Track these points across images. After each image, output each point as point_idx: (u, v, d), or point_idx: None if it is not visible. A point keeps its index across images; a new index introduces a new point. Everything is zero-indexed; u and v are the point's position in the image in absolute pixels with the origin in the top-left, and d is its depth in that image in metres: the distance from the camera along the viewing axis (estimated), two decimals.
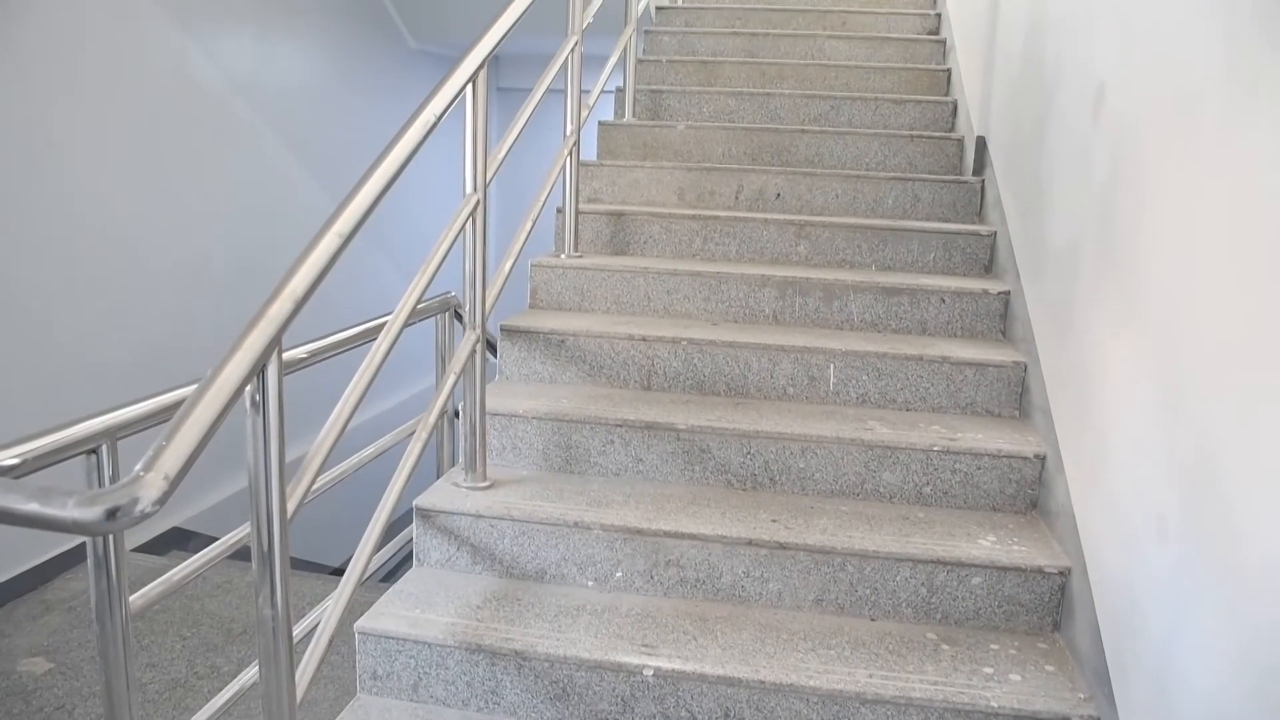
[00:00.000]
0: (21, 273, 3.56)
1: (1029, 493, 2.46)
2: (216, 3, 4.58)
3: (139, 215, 4.13)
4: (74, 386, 3.80)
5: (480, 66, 2.19)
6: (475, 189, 2.23)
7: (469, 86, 2.16)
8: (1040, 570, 2.17)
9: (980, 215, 3.54)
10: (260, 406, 1.46)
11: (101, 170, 3.89)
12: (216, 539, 2.06)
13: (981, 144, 3.59)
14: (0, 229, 3.44)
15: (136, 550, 4.11)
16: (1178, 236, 1.72)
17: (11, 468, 1.51)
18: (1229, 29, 1.56)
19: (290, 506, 1.55)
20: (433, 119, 1.92)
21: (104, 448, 1.66)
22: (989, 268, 3.28)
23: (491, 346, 3.12)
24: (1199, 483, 1.54)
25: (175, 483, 1.21)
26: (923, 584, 2.20)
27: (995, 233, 3.25)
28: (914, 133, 3.91)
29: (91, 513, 1.14)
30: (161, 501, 1.18)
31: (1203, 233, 1.61)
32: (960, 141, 3.84)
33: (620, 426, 2.55)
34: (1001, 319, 3.00)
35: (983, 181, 3.55)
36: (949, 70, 4.42)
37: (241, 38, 4.85)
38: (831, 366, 2.75)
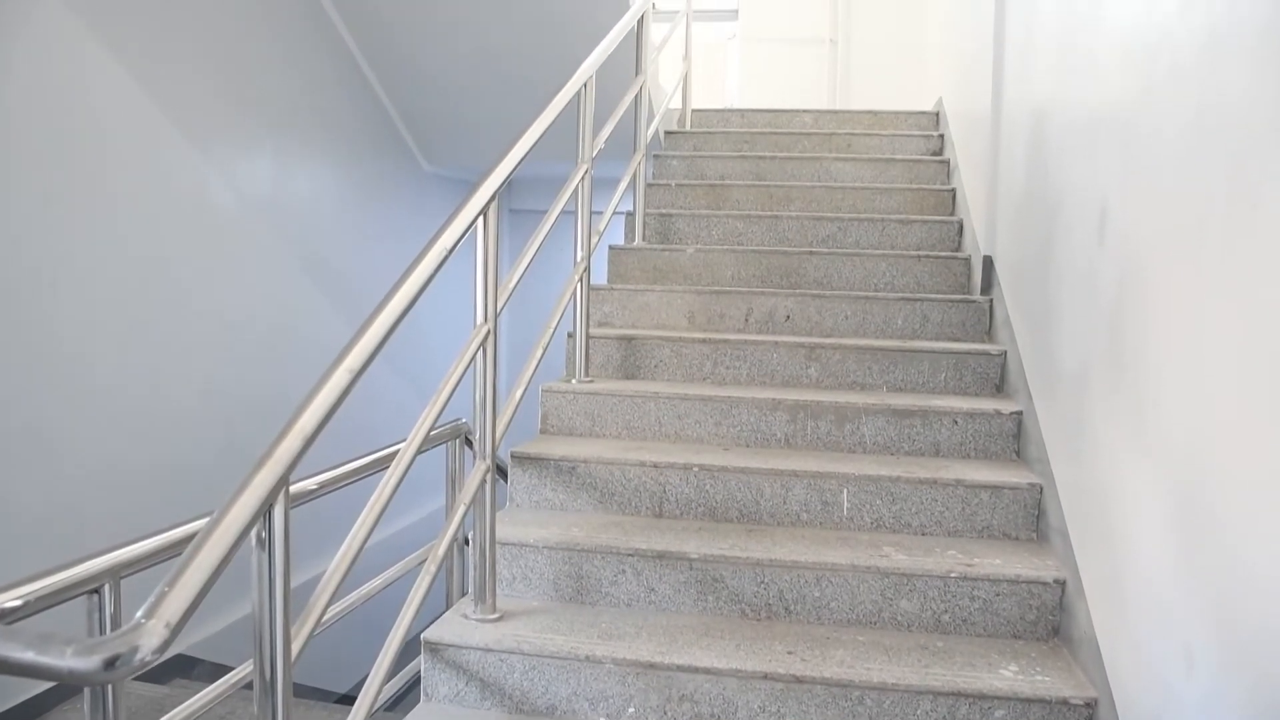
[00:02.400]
0: (28, 393, 3.57)
1: (1050, 619, 2.41)
2: (235, 128, 4.69)
3: (151, 335, 4.15)
4: (81, 510, 3.78)
5: (491, 199, 2.22)
6: (486, 319, 2.24)
7: (480, 219, 2.19)
8: (1065, 702, 2.10)
9: (990, 334, 3.55)
10: (266, 544, 1.45)
11: (116, 290, 3.93)
12: (222, 666, 2.02)
13: (988, 263, 3.62)
14: (9, 346, 3.47)
15: (137, 679, 4.03)
16: (1188, 358, 1.71)
17: (14, 610, 1.49)
18: (1228, 154, 1.57)
19: (295, 646, 1.52)
20: (444, 252, 1.95)
21: (106, 588, 1.64)
22: (1000, 387, 3.27)
23: (502, 471, 3.11)
24: (1227, 613, 1.50)
25: (177, 629, 1.18)
26: (944, 717, 2.14)
27: (1005, 352, 3.26)
28: (921, 253, 3.94)
29: (89, 662, 1.11)
30: (162, 650, 1.16)
31: (1213, 354, 1.60)
32: (967, 261, 3.87)
33: (632, 556, 2.52)
34: (1015, 439, 2.98)
35: (991, 300, 3.56)
36: (953, 190, 4.48)
37: (259, 161, 4.95)
38: (845, 491, 2.73)
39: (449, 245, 1.98)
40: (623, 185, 3.85)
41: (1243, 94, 1.53)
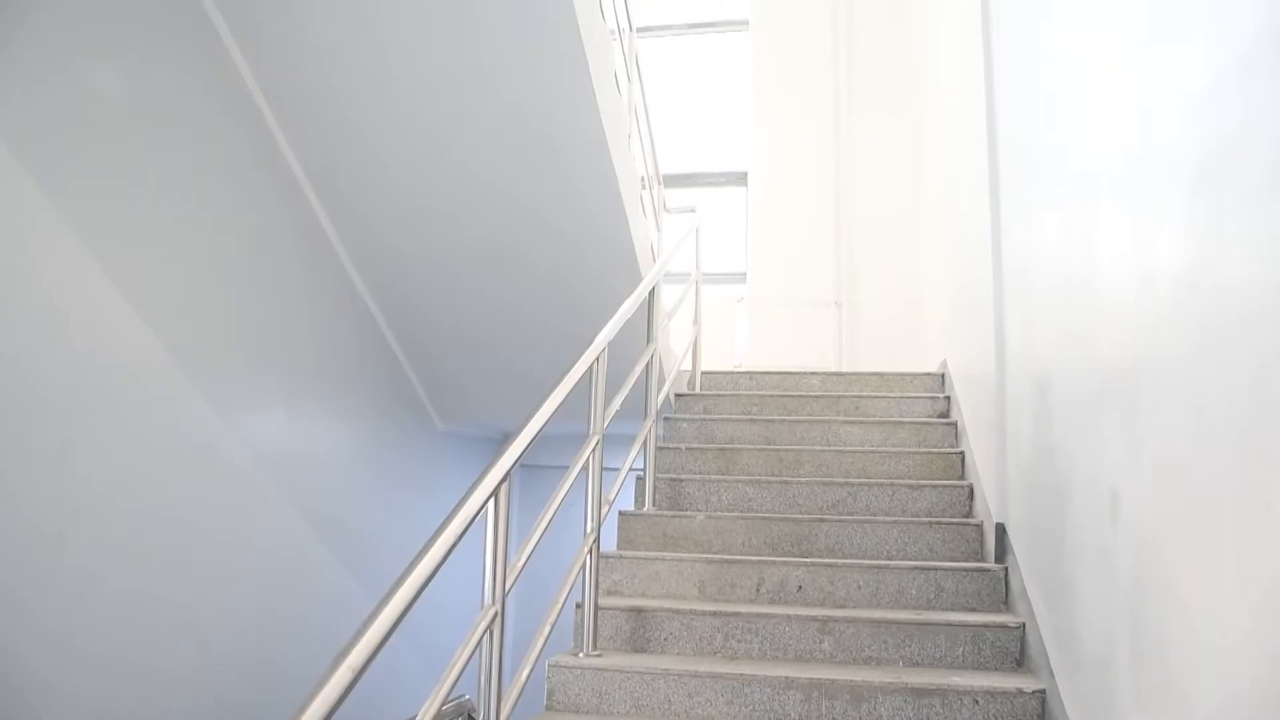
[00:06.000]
0: (26, 637, 3.50)
1: None
2: (252, 383, 4.78)
3: (152, 589, 4.10)
4: None
5: (503, 480, 2.24)
6: (494, 601, 2.22)
7: (491, 501, 2.20)
8: None
9: (1007, 604, 3.47)
10: None
11: (123, 542, 3.91)
12: None
13: (1001, 530, 3.59)
14: (12, 594, 3.42)
15: None
16: (1215, 655, 1.65)
17: None
18: (1233, 448, 1.57)
19: None
20: (453, 540, 1.95)
21: None
22: (1020, 662, 3.17)
23: None
24: None
25: None
26: None
27: (1024, 624, 3.18)
28: (932, 519, 3.93)
29: None
30: None
31: (1239, 654, 1.55)
32: (979, 527, 3.84)
33: None
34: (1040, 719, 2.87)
35: (1006, 569, 3.51)
36: (962, 453, 4.50)
37: (272, 416, 5.02)
38: None
39: (458, 531, 1.99)
40: (634, 451, 3.89)
41: (1240, 389, 1.55)
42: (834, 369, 6.97)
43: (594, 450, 3.16)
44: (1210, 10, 1.70)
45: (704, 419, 4.99)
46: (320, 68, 4.36)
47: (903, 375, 5.61)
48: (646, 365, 4.07)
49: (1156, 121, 1.96)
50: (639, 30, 5.64)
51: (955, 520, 3.92)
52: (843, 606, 3.49)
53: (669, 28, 8.82)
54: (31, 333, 3.45)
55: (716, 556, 3.70)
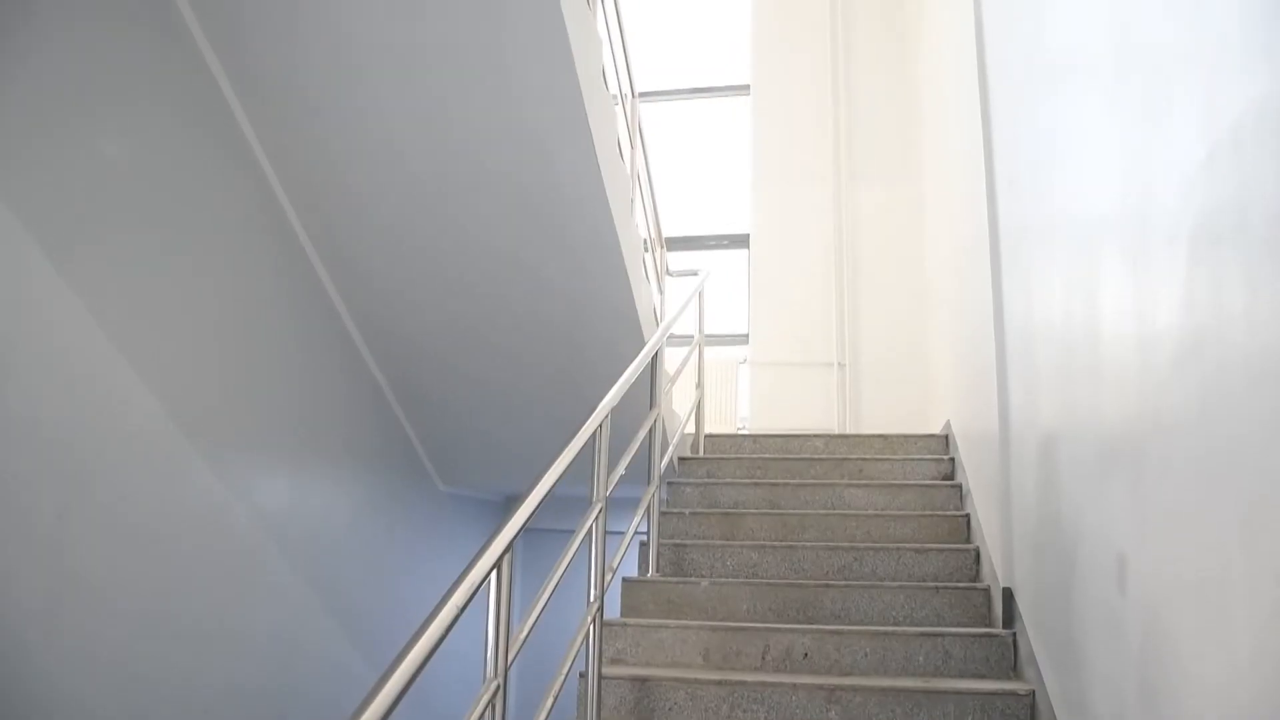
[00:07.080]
0: (23, 706, 3.44)
1: None
2: (254, 451, 4.76)
3: (151, 659, 4.04)
4: None
5: (506, 550, 2.22)
6: (496, 674, 2.19)
7: (494, 573, 2.18)
8: None
9: (1015, 670, 3.43)
10: None
11: (121, 613, 3.86)
12: None
13: (1008, 595, 3.55)
14: (5, 668, 3.37)
15: None
16: None
17: None
18: (1243, 501, 1.56)
19: None
20: (454, 614, 1.92)
21: None
22: None
23: None
24: None
25: None
26: None
27: (1033, 691, 3.13)
28: (939, 584, 3.89)
29: None
30: None
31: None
32: (986, 591, 3.80)
33: None
34: None
35: (1014, 634, 3.47)
36: (967, 515, 4.47)
37: (275, 480, 4.99)
38: None
39: (460, 604, 1.96)
40: (637, 517, 3.86)
41: (1246, 452, 1.54)
42: (837, 431, 6.96)
43: (597, 518, 3.13)
44: (1206, 83, 1.72)
45: (708, 483, 4.96)
46: (325, 134, 4.41)
47: (907, 437, 5.60)
48: (650, 430, 4.06)
49: (1157, 189, 1.97)
50: (642, 96, 5.71)
51: (962, 585, 3.88)
52: (849, 674, 3.44)
53: (671, 93, 8.94)
54: (33, 397, 3.44)
55: (721, 624, 3.65)
